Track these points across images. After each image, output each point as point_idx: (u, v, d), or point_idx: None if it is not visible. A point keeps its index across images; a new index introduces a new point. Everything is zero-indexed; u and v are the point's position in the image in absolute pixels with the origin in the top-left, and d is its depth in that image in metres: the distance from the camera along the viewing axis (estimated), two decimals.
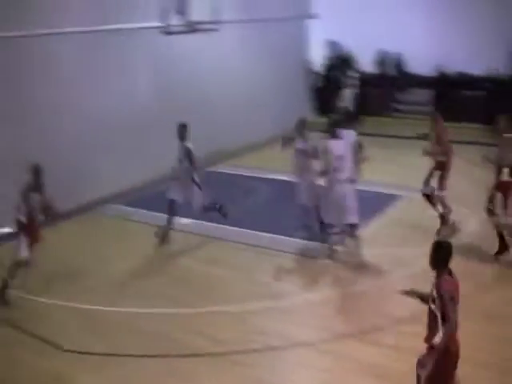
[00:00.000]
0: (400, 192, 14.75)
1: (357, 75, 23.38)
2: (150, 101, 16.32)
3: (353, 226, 11.09)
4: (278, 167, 13.46)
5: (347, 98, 17.60)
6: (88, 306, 9.83)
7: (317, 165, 11.40)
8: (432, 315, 5.96)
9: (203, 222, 13.25)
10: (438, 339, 5.87)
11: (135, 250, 12.10)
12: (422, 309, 6.21)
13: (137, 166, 15.74)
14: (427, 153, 12.37)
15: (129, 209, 14.48)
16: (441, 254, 6.03)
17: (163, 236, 12.30)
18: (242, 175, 16.70)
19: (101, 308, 9.77)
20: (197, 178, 12.03)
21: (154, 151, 16.00)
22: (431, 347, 6.00)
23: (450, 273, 6.06)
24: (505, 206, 10.90)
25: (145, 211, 14.20)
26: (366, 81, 23.82)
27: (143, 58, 16.21)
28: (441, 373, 5.98)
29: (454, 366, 6.08)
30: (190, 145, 11.93)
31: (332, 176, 10.83)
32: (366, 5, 23.90)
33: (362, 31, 23.74)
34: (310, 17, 23.36)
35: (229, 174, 16.94)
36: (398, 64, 24.13)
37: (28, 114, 13.26)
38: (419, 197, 12.79)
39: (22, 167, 10.09)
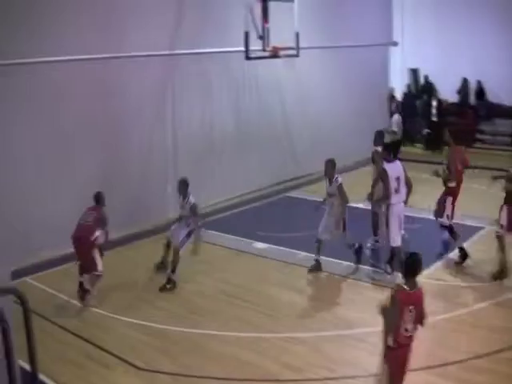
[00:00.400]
0: (477, 224, 14.39)
1: (436, 103, 23.04)
2: (231, 125, 16.55)
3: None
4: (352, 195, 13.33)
5: (395, 123, 17.37)
6: (163, 326, 9.91)
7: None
8: None
9: (279, 247, 13.25)
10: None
11: (210, 273, 12.16)
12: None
13: (214, 189, 15.93)
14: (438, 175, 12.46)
15: (210, 232, 14.54)
16: (410, 266, 6.63)
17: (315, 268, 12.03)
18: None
19: (174, 328, 9.83)
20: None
21: (230, 175, 16.18)
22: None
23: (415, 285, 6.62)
24: None
25: (219, 233, 14.29)
26: (447, 109, 23.47)
27: (226, 83, 16.46)
28: (389, 373, 6.69)
29: (400, 370, 6.71)
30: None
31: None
32: (447, 33, 23.64)
33: (443, 59, 23.55)
34: (392, 44, 23.21)
35: (306, 199, 16.82)
36: (480, 93, 23.70)
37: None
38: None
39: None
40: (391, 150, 11.54)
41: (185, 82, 15.36)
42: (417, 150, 23.51)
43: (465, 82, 23.79)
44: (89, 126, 13.30)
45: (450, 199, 12.29)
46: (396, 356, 6.74)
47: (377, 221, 12.81)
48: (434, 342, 9.18)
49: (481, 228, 14.15)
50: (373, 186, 12.15)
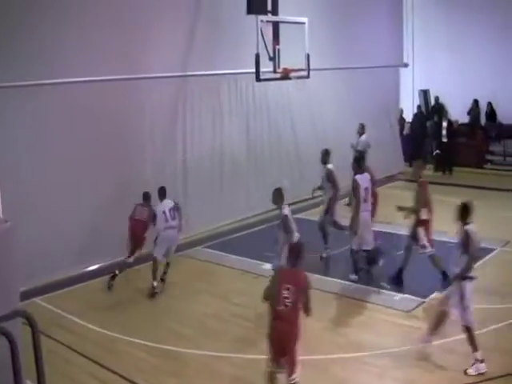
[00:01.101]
0: (488, 245, 14.30)
1: (446, 124, 23.01)
2: (241, 147, 16.61)
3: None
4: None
5: (362, 143, 17.39)
6: (170, 348, 9.85)
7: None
8: None
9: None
10: None
11: (216, 293, 12.12)
12: None
13: (225, 211, 15.99)
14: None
15: (217, 253, 14.59)
16: (293, 250, 7.80)
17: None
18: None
19: (181, 350, 9.78)
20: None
21: (241, 197, 16.25)
22: None
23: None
24: None
25: (227, 254, 14.30)
26: (457, 131, 23.44)
27: (237, 104, 16.55)
28: (268, 345, 7.52)
29: (275, 343, 7.42)
30: None
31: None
32: (458, 54, 23.73)
33: (453, 80, 23.60)
34: (403, 66, 23.26)
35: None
36: (490, 114, 23.69)
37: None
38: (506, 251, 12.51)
39: None
40: (360, 163, 12.59)
41: (196, 103, 15.44)
42: (427, 171, 23.44)
43: (475, 103, 23.83)
44: (99, 148, 13.31)
45: (421, 231, 12.16)
46: (272, 327, 7.46)
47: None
48: (445, 365, 9.12)
49: (492, 250, 14.00)
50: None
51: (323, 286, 12.19)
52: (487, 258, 13.55)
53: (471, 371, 8.74)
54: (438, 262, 12.10)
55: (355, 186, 12.20)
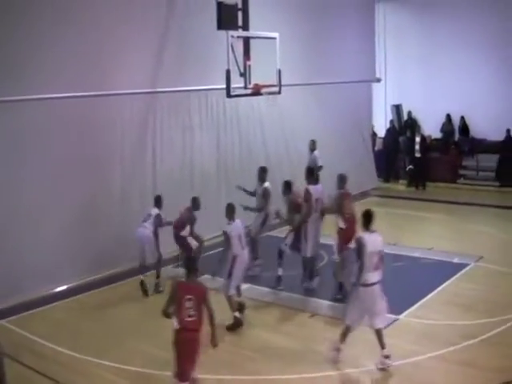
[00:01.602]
0: (463, 261, 14.48)
1: (419, 139, 23.21)
2: (211, 164, 16.69)
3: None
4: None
5: (312, 159, 17.54)
6: (144, 370, 9.78)
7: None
8: None
9: (261, 288, 13.22)
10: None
11: None
12: None
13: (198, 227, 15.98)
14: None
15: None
16: (188, 263, 8.34)
17: None
18: None
19: (155, 372, 9.72)
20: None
21: (211, 215, 16.23)
22: None
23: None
24: None
25: (203, 276, 14.11)
26: (430, 145, 23.68)
27: (207, 121, 16.62)
28: (175, 356, 8.02)
29: (184, 353, 7.92)
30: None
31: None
32: (431, 69, 24.04)
33: (426, 95, 23.90)
34: (376, 81, 23.47)
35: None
36: (463, 129, 23.94)
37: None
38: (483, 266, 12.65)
39: None
40: (314, 175, 13.23)
41: (166, 118, 15.46)
42: (400, 186, 23.66)
43: (448, 118, 24.09)
44: (68, 166, 13.26)
45: (336, 238, 12.46)
46: (180, 338, 7.93)
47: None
48: (420, 381, 9.21)
49: (465, 265, 14.16)
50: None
51: (297, 305, 12.27)
52: (461, 273, 13.72)
53: (379, 364, 9.51)
54: (337, 271, 12.38)
55: (307, 196, 12.73)
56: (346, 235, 11.98)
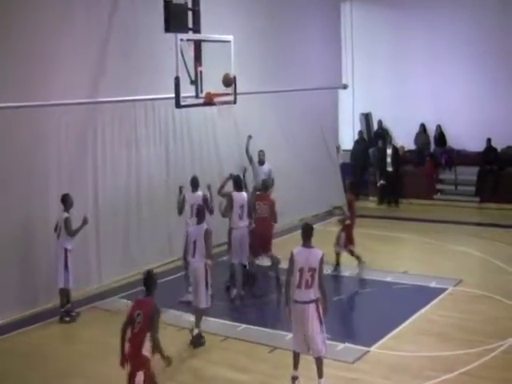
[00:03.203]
0: (438, 285, 14.68)
1: (391, 151, 23.44)
2: (160, 179, 16.68)
3: None
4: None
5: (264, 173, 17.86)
6: None
7: None
8: None
9: (216, 320, 13.17)
10: None
11: None
12: None
13: (145, 253, 16.00)
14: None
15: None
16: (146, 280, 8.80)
17: None
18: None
19: None
20: None
21: (162, 236, 16.27)
22: None
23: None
24: None
25: None
26: (404, 158, 23.95)
27: (155, 133, 16.64)
28: None
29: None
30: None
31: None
32: (403, 74, 24.22)
33: (398, 103, 24.07)
34: (342, 87, 23.66)
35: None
36: (440, 139, 24.15)
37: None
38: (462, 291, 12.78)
39: None
40: (239, 183, 14.49)
41: (108, 132, 15.41)
42: (370, 204, 23.81)
43: (423, 127, 24.30)
44: (1, 180, 13.22)
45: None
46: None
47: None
48: None
49: (443, 290, 14.35)
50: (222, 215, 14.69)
51: (254, 338, 12.29)
52: (438, 299, 13.88)
53: None
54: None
55: (229, 202, 14.21)
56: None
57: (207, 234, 12.01)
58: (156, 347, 8.41)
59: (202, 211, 12.43)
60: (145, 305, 8.57)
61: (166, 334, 12.48)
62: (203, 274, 12.01)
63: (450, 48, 23.20)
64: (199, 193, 14.41)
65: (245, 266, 14.64)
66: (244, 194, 14.43)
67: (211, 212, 14.25)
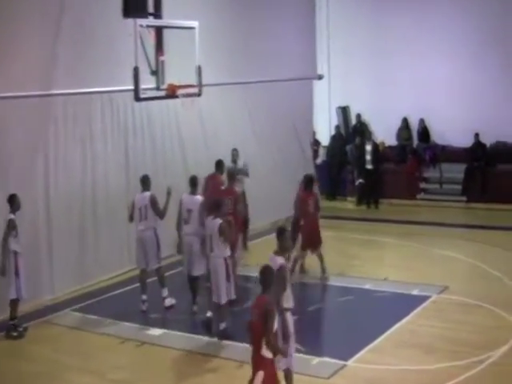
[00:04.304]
0: (421, 292, 14.76)
1: (370, 148, 23.50)
2: (119, 179, 16.58)
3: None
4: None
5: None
6: None
7: None
8: None
9: (178, 333, 13.20)
10: None
11: (94, 370, 11.84)
12: None
13: (102, 263, 15.92)
14: None
15: (89, 317, 14.30)
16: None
17: None
18: None
19: None
20: None
21: (120, 243, 16.17)
22: None
23: None
24: None
25: (102, 318, 14.04)
26: (384, 155, 24.05)
27: (112, 128, 16.55)
28: None
29: None
30: None
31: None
32: (384, 64, 24.31)
33: (378, 95, 24.15)
34: (317, 78, 23.65)
35: None
36: (423, 134, 24.25)
37: None
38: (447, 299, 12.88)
39: None
40: (194, 185, 14.12)
41: (61, 130, 15.22)
42: (348, 205, 23.87)
43: (405, 121, 24.40)
44: None
45: None
46: None
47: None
48: None
49: (426, 297, 14.41)
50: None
51: (222, 353, 12.29)
52: (421, 307, 13.94)
53: None
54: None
55: (180, 205, 14.07)
56: None
57: (221, 229, 12.44)
58: (271, 348, 8.36)
59: (219, 205, 12.84)
60: (259, 302, 8.54)
61: (122, 348, 12.64)
62: (223, 269, 12.44)
63: (433, 38, 23.35)
64: (147, 193, 14.21)
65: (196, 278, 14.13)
66: (195, 198, 13.99)
67: (160, 216, 14.10)
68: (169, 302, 14.23)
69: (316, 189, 16.01)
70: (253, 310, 8.50)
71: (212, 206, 12.94)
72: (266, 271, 8.71)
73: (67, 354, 12.55)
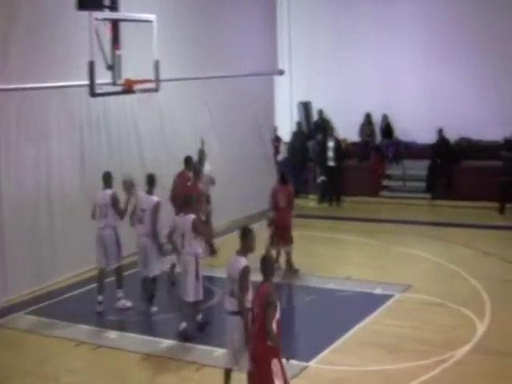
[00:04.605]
0: (384, 291, 14.84)
1: (333, 144, 23.55)
2: (74, 178, 16.45)
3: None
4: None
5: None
6: None
7: None
8: None
9: (137, 336, 13.13)
10: None
11: (49, 375, 11.70)
12: None
13: (58, 264, 15.79)
14: None
15: (43, 320, 14.15)
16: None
17: None
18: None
19: None
20: None
21: (75, 243, 16.04)
22: None
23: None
24: None
25: (55, 321, 13.89)
26: (347, 151, 24.13)
27: (67, 125, 16.40)
28: None
29: None
30: None
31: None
32: (346, 59, 24.41)
33: (340, 91, 24.20)
34: (278, 73, 23.67)
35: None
36: (386, 130, 24.37)
37: None
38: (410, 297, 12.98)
39: None
40: (150, 184, 14.13)
41: (12, 128, 15.05)
42: (309, 202, 23.92)
43: (368, 117, 24.51)
44: None
45: None
46: None
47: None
48: None
49: (389, 296, 14.49)
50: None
51: (180, 356, 12.24)
52: (384, 306, 14.01)
53: None
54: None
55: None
56: None
57: (195, 224, 12.51)
58: (270, 338, 8.55)
59: (189, 201, 12.89)
60: (260, 292, 8.77)
61: (78, 352, 12.55)
62: (193, 267, 12.47)
63: (397, 33, 23.49)
64: (108, 191, 14.18)
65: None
66: (150, 198, 14.02)
67: (120, 215, 14.09)
68: (122, 304, 14.16)
69: (291, 186, 15.82)
70: (254, 300, 8.86)
71: (182, 203, 13.09)
72: (266, 260, 8.94)
73: (20, 359, 12.41)
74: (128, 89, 14.07)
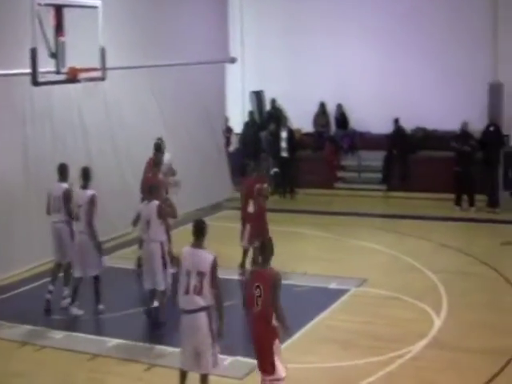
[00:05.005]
0: (339, 286, 14.91)
1: (286, 135, 23.59)
2: (17, 173, 16.25)
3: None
4: None
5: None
6: None
7: None
8: None
9: (85, 335, 13.02)
10: None
11: None
12: None
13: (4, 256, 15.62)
14: None
15: None
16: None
17: None
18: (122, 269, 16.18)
19: None
20: None
21: (18, 241, 15.88)
22: None
23: None
24: None
25: (6, 323, 13.61)
26: (300, 142, 24.17)
27: (7, 116, 16.20)
28: None
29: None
30: None
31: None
32: (300, 47, 24.46)
33: (294, 79, 24.27)
34: (229, 61, 23.61)
35: (120, 268, 16.51)
36: (341, 120, 24.46)
37: None
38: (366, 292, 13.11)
39: None
40: (85, 178, 13.82)
41: None
42: None
43: (322, 106, 24.58)
44: None
45: None
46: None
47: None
48: None
49: (345, 291, 14.58)
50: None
51: (128, 356, 12.17)
52: (338, 301, 14.11)
53: None
54: None
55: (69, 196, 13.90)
56: None
57: (159, 209, 12.83)
58: (279, 316, 9.08)
59: (152, 190, 13.24)
60: (264, 275, 9.24)
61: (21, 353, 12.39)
62: (159, 254, 12.74)
63: (352, 20, 23.67)
64: (63, 185, 13.98)
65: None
66: (85, 193, 13.70)
67: (69, 214, 13.86)
68: (65, 303, 13.97)
69: (253, 178, 16.14)
70: (254, 283, 9.22)
71: (146, 190, 13.57)
72: (266, 245, 9.59)
73: None
74: (72, 77, 13.95)
